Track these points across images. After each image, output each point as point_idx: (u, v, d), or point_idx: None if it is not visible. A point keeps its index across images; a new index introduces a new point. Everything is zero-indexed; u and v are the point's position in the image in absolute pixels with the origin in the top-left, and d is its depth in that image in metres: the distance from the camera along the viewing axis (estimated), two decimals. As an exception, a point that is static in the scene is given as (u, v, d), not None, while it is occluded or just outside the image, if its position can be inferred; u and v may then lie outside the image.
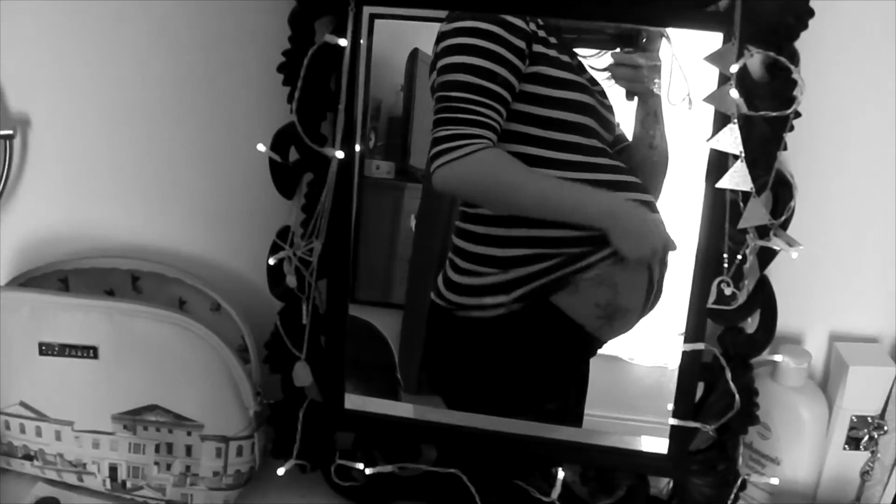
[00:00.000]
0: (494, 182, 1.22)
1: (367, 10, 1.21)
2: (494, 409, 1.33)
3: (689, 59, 1.18)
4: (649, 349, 1.30)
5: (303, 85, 1.22)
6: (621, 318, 1.27)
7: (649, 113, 1.23)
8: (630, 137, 1.25)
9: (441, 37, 1.21)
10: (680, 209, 1.23)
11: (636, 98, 1.23)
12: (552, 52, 1.21)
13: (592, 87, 1.23)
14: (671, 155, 1.25)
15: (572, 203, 1.23)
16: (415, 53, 1.24)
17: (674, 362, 1.26)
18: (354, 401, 1.37)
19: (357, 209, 1.29)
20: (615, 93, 1.24)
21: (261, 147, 1.25)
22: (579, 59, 1.23)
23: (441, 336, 1.33)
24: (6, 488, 1.38)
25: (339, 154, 1.23)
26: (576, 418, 1.33)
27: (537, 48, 1.20)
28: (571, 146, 1.22)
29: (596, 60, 1.23)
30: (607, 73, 1.23)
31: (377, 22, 1.22)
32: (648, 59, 1.20)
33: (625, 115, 1.25)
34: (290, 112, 1.24)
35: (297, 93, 1.22)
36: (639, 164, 1.25)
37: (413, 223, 1.31)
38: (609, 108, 1.24)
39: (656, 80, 1.21)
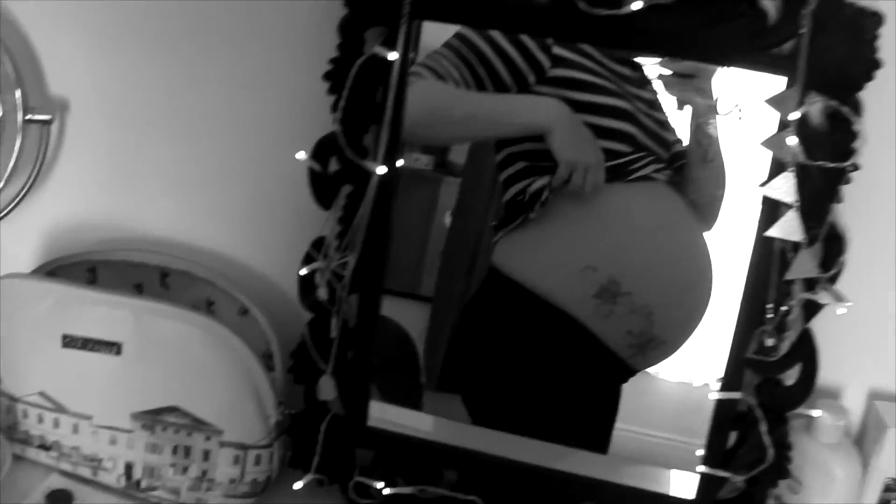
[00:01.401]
0: (426, 109, 1.21)
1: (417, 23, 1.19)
2: (514, 420, 1.31)
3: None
4: (676, 365, 1.28)
5: (348, 95, 1.19)
6: (654, 348, 1.24)
7: (702, 125, 1.21)
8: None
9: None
10: (728, 252, 1.21)
11: (688, 108, 1.22)
12: (578, 58, 1.19)
13: (633, 96, 1.21)
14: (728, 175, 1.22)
15: (505, 109, 1.21)
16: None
17: (700, 379, 1.25)
18: (375, 408, 1.35)
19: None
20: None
21: (300, 155, 1.23)
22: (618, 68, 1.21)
23: (474, 325, 1.30)
24: (20, 476, 1.36)
25: (381, 169, 1.20)
26: (601, 443, 1.32)
27: (559, 51, 1.18)
28: (612, 153, 1.20)
29: (649, 69, 1.22)
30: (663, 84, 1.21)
31: (425, 24, 1.19)
32: (698, 67, 1.17)
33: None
34: (334, 122, 1.21)
35: (342, 102, 1.20)
36: (694, 179, 1.23)
37: (448, 220, 1.31)
38: (662, 124, 1.23)
39: (709, 90, 1.18)
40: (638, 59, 1.22)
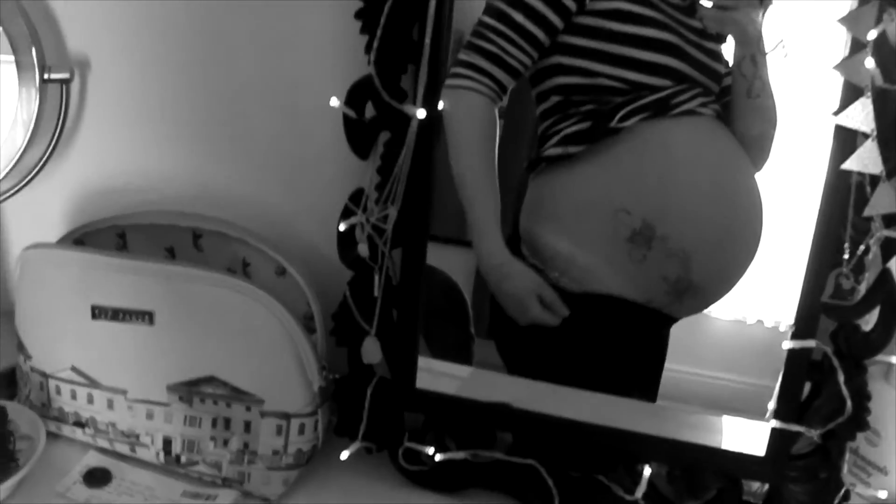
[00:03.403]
0: (452, 132, 1.18)
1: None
2: (549, 371, 1.28)
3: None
4: (730, 303, 1.22)
5: (382, 34, 1.15)
6: (693, 297, 1.19)
7: (745, 57, 1.16)
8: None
9: None
10: (796, 188, 1.15)
11: (731, 40, 1.17)
12: None
13: (682, 24, 1.16)
14: (780, 112, 1.17)
15: (474, 224, 1.20)
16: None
17: (752, 317, 1.20)
18: (424, 364, 1.30)
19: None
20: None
21: (334, 101, 1.18)
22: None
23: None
24: (57, 454, 1.32)
25: (421, 113, 1.16)
26: (649, 392, 1.29)
27: None
28: (652, 88, 1.16)
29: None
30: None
31: None
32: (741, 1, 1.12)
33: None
34: (368, 63, 1.16)
35: (376, 42, 1.15)
36: (740, 115, 1.18)
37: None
38: (712, 54, 1.18)
39: (754, 23, 1.13)
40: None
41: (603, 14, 1.14)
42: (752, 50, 1.15)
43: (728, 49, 1.18)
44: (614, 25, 1.14)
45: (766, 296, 1.20)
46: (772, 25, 1.13)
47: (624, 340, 1.25)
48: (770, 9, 1.12)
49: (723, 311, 1.24)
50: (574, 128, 1.17)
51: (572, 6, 1.14)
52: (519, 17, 1.14)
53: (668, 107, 1.16)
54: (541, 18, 1.14)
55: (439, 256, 1.27)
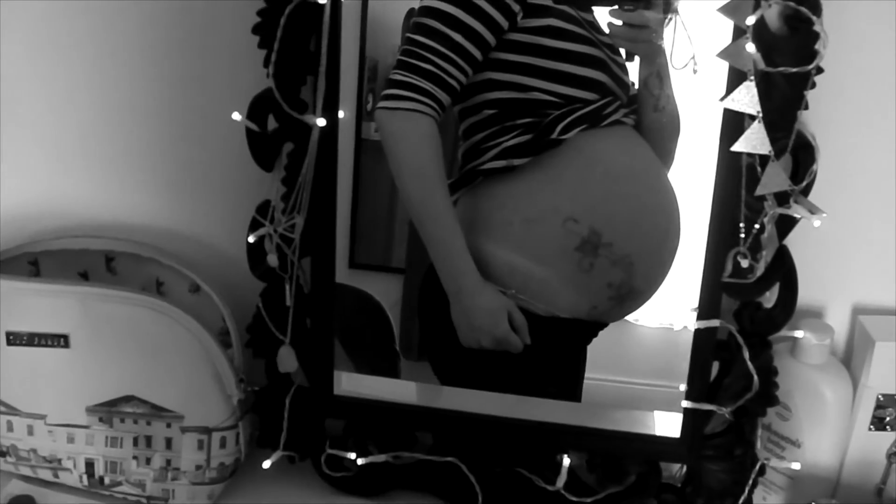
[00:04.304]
0: (405, 156, 1.16)
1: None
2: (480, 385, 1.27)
3: (695, 17, 1.11)
4: (655, 310, 1.22)
5: (280, 47, 1.14)
6: (633, 299, 1.20)
7: (652, 73, 1.17)
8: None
9: None
10: (692, 175, 1.16)
11: (638, 58, 1.17)
12: (556, 5, 1.14)
13: (601, 42, 1.16)
14: (682, 117, 1.18)
15: (440, 243, 1.18)
16: (411, 12, 1.17)
17: (680, 322, 1.20)
18: (352, 380, 1.31)
19: (355, 172, 1.24)
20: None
21: (236, 116, 1.18)
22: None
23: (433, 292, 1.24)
24: (-22, 485, 1.31)
25: (321, 122, 1.16)
26: (573, 394, 1.28)
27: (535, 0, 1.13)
28: (585, 101, 1.16)
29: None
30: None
31: None
32: (649, 18, 1.12)
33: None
34: (268, 76, 1.16)
35: (274, 55, 1.15)
36: (647, 128, 1.19)
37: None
38: (622, 67, 1.19)
39: (659, 41, 1.14)
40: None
41: (535, 30, 1.14)
42: (657, 67, 1.16)
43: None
44: (547, 41, 1.14)
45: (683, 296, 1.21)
46: (678, 38, 1.13)
47: (561, 353, 1.26)
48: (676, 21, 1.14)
49: (649, 318, 1.24)
50: (514, 140, 1.16)
51: (505, 24, 1.13)
52: (458, 37, 1.12)
53: (600, 118, 1.16)
54: (477, 37, 1.13)
55: (368, 283, 1.29)
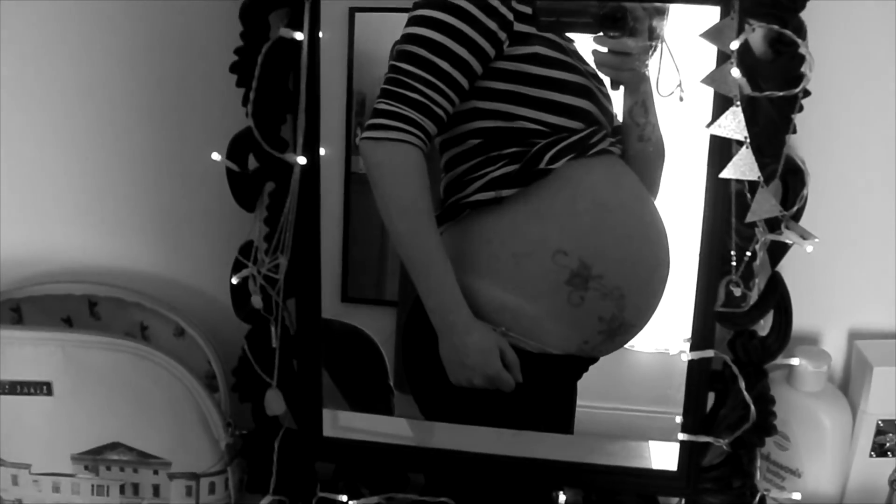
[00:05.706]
0: (391, 189, 1.14)
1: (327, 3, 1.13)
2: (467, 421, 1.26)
3: (680, 44, 1.11)
4: (650, 335, 1.21)
5: (258, 85, 1.13)
6: (623, 333, 1.19)
7: (637, 103, 1.16)
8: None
9: (412, 8, 1.13)
10: (681, 203, 1.16)
11: (622, 87, 1.16)
12: (540, 33, 1.13)
13: (588, 72, 1.16)
14: (667, 146, 1.18)
15: (429, 279, 1.16)
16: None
17: (675, 347, 1.18)
18: (344, 418, 1.30)
19: (345, 206, 1.23)
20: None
21: (216, 156, 1.17)
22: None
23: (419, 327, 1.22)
24: (-36, 538, 1.30)
25: (301, 160, 1.15)
26: (565, 429, 1.26)
27: (522, 27, 1.12)
28: (571, 130, 1.15)
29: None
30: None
31: (358, 16, 1.17)
32: (634, 46, 1.11)
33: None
34: (247, 116, 1.15)
35: (253, 94, 1.14)
36: (632, 158, 1.18)
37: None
38: (607, 97, 1.18)
39: (644, 69, 1.13)
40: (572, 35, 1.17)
41: (521, 58, 1.13)
42: (642, 96, 1.15)
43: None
44: (533, 69, 1.13)
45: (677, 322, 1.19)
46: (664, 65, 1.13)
47: (552, 389, 1.24)
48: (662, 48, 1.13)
49: (645, 344, 1.23)
50: (501, 171, 1.15)
51: (492, 51, 1.12)
52: (444, 65, 1.11)
53: (587, 147, 1.15)
54: (465, 65, 1.12)
55: (361, 317, 1.29)
